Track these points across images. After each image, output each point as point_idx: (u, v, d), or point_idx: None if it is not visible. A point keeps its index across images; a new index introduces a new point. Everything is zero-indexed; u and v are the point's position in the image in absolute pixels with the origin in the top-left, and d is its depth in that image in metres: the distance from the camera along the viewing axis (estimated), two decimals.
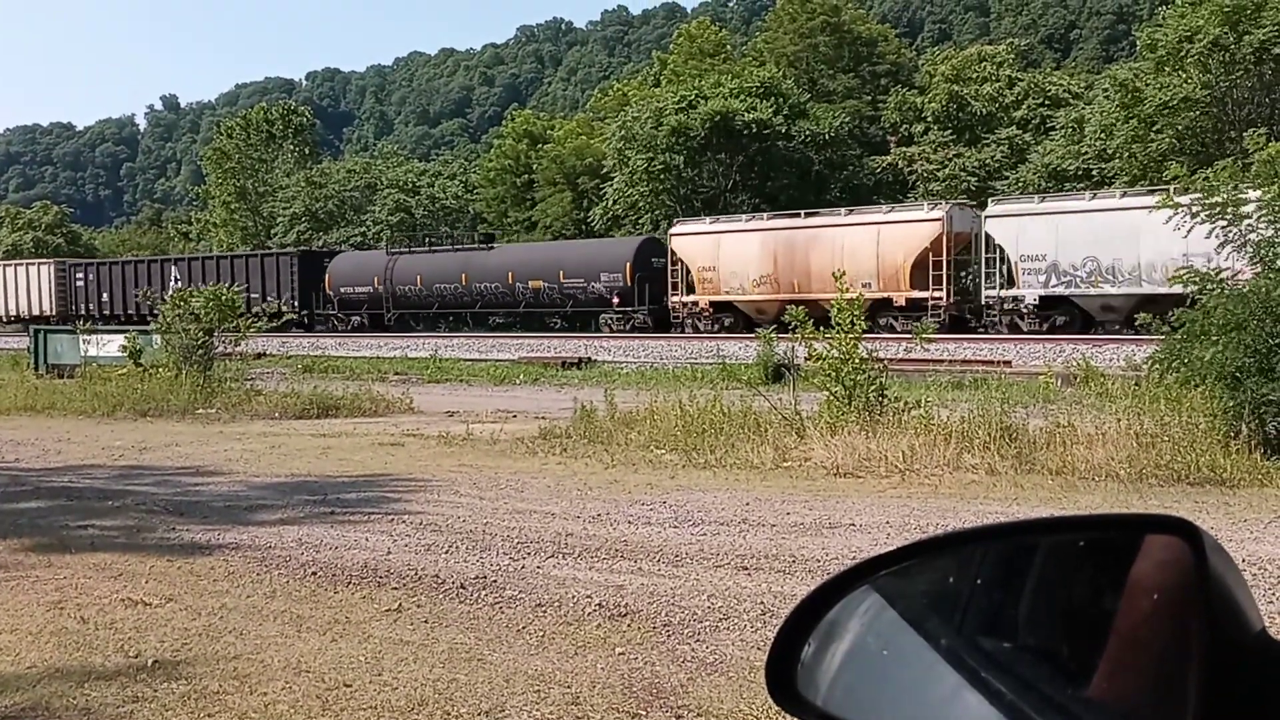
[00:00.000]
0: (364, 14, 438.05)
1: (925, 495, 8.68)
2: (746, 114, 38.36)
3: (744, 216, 33.47)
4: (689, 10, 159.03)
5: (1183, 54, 31.62)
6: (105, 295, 44.17)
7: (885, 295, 27.84)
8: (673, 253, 32.12)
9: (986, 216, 27.52)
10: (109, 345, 22.68)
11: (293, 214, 52.73)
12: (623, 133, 41.67)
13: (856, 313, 11.54)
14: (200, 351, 19.05)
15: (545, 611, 5.56)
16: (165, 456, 12.06)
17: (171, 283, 41.84)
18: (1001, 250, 26.87)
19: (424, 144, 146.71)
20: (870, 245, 28.42)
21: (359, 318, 37.79)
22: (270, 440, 13.32)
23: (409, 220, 50.69)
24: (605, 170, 43.86)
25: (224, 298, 19.86)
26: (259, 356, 24.67)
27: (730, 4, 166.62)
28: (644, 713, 4.18)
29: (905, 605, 1.09)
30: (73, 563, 6.82)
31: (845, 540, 7.01)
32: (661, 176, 39.78)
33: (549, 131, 54.97)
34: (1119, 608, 0.88)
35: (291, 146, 59.15)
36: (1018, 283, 26.50)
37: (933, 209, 28.87)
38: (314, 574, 6.44)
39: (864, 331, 11.73)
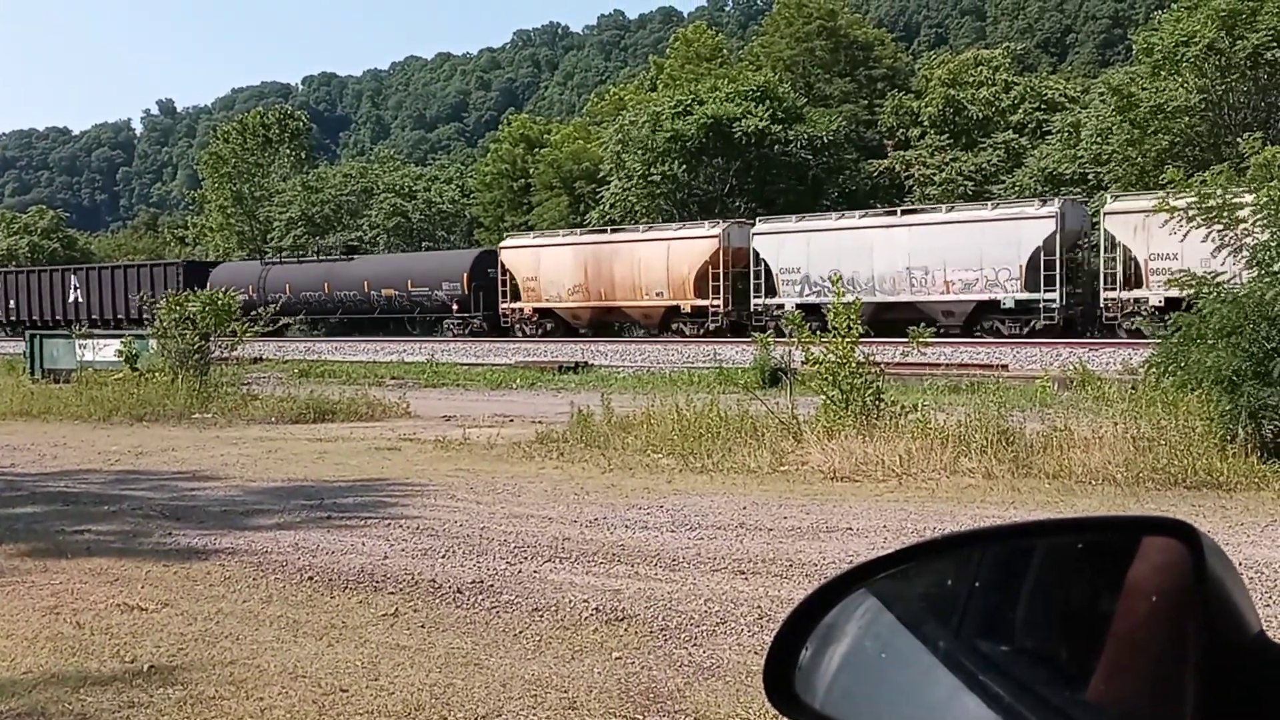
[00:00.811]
0: (360, 18, 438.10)
1: (922, 499, 8.69)
2: (744, 120, 38.36)
3: (561, 231, 36.95)
4: (685, 15, 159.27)
5: (1178, 58, 31.61)
6: (12, 302, 46.91)
7: (675, 303, 31.15)
8: (503, 264, 34.88)
9: (754, 234, 30.25)
10: (105, 350, 22.67)
11: (289, 218, 52.64)
12: (619, 136, 41.68)
13: (853, 316, 11.57)
14: (196, 356, 19.04)
15: (542, 616, 5.55)
16: (161, 461, 12.05)
17: (72, 291, 43.99)
18: (766, 264, 29.52)
19: (420, 148, 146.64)
20: (661, 259, 31.43)
21: None
22: (266, 445, 13.31)
23: (405, 224, 50.62)
24: (602, 174, 43.86)
25: (220, 302, 19.84)
26: (255, 361, 24.66)
27: (726, 8, 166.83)
28: (641, 717, 4.17)
29: (903, 608, 1.09)
30: (68, 568, 6.80)
31: (842, 544, 7.01)
32: (659, 181, 39.81)
33: (545, 136, 54.92)
34: (1116, 610, 0.88)
35: (288, 151, 59.08)
36: (779, 292, 29.03)
37: (712, 227, 31.46)
38: (310, 579, 6.43)
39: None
